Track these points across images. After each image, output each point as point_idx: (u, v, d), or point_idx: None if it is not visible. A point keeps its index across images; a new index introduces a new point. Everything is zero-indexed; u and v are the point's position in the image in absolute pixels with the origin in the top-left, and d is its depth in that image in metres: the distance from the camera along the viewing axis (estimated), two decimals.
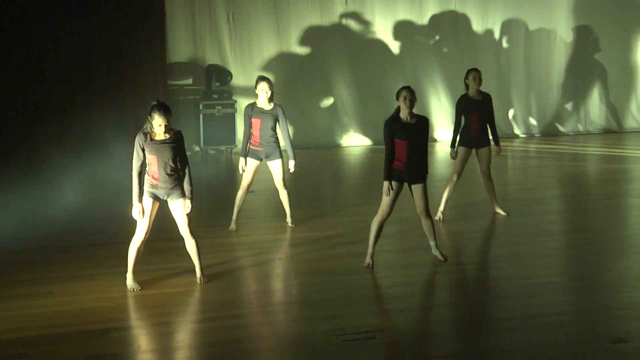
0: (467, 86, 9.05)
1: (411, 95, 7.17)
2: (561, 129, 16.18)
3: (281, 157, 8.61)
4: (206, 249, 7.99)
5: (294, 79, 14.79)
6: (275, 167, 8.62)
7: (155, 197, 6.69)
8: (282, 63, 14.73)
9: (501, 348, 5.53)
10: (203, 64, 14.26)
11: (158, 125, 6.52)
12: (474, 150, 9.03)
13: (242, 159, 8.57)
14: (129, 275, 6.79)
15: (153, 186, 6.67)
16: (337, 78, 15.02)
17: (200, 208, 10.20)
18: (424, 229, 7.49)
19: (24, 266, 7.48)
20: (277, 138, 8.57)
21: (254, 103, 8.56)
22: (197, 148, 14.17)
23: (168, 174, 6.64)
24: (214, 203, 10.51)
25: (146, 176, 6.69)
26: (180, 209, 6.77)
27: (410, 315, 6.20)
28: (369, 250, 7.34)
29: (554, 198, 10.48)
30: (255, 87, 8.49)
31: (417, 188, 7.25)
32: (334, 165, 13.50)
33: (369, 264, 7.33)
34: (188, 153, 14.73)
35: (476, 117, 8.91)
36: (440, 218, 8.99)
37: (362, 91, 15.02)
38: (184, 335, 5.91)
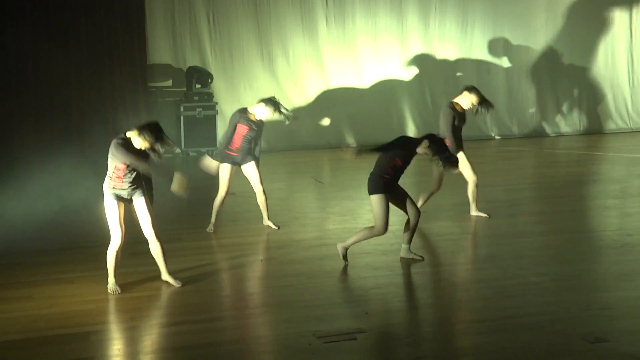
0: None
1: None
2: (540, 130, 16.28)
3: (254, 158, 8.64)
4: (186, 251, 7.99)
5: (274, 80, 14.79)
6: (249, 169, 8.64)
7: (120, 198, 6.65)
8: (263, 64, 14.72)
9: (481, 349, 5.55)
10: (183, 65, 14.23)
11: (141, 143, 6.50)
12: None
13: (209, 160, 8.69)
14: (110, 280, 6.77)
15: (116, 188, 6.63)
16: (317, 79, 15.03)
17: (180, 210, 10.20)
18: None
19: (2, 270, 7.42)
20: (251, 147, 8.63)
21: (246, 110, 8.55)
22: (178, 150, 14.13)
23: (134, 178, 6.61)
24: (194, 205, 10.48)
25: (108, 180, 6.64)
26: (143, 207, 6.71)
27: (391, 317, 6.21)
28: (349, 242, 7.46)
29: (533, 199, 10.54)
30: (267, 106, 8.44)
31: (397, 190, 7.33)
32: (315, 167, 13.50)
33: (344, 259, 7.45)
34: (169, 155, 14.78)
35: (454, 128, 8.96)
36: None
37: (341, 93, 15.05)
38: (165, 338, 5.89)
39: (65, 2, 12.87)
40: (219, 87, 14.30)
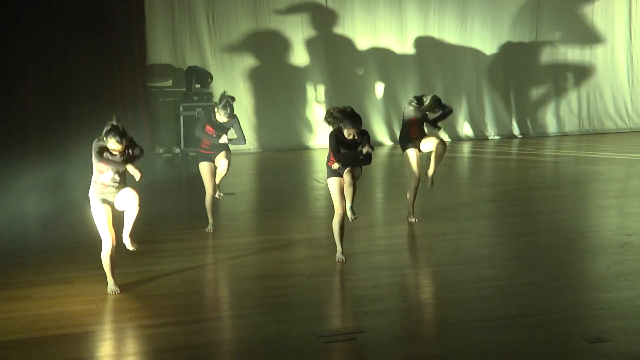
0: (420, 101, 8.89)
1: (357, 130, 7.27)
2: (540, 130, 16.28)
3: (227, 149, 8.55)
4: (186, 251, 7.99)
5: (273, 80, 14.79)
6: (220, 161, 8.52)
7: (105, 201, 6.65)
8: (262, 64, 14.72)
9: (481, 348, 5.55)
10: (183, 65, 14.23)
11: (112, 149, 6.49)
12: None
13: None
14: (109, 280, 6.77)
15: (102, 192, 6.63)
16: (315, 79, 15.03)
17: (180, 210, 10.21)
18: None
19: (2, 270, 7.41)
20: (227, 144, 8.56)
21: (213, 109, 8.49)
22: (177, 150, 14.13)
23: (117, 181, 6.62)
24: (194, 205, 10.47)
25: (93, 184, 6.64)
26: (127, 190, 6.66)
27: (391, 317, 6.21)
28: (338, 248, 7.51)
29: (532, 199, 10.54)
30: (218, 107, 8.40)
31: (349, 168, 7.39)
32: (314, 167, 13.50)
33: (342, 259, 7.44)
34: (168, 155, 14.72)
35: (416, 121, 8.87)
36: (415, 221, 8.99)
37: (339, 93, 15.04)
38: (165, 338, 5.88)
39: (65, 3, 12.86)
40: (218, 87, 14.28)
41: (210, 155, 8.55)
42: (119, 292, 6.72)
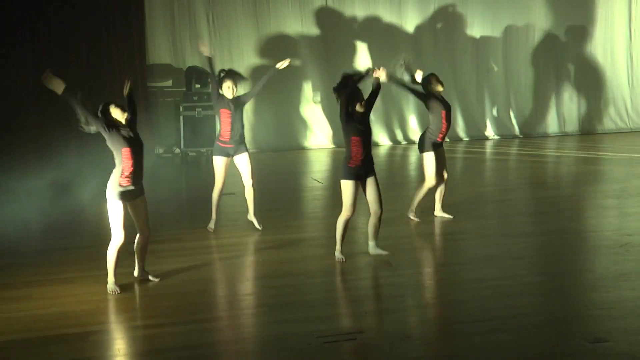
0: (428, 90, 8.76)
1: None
2: (540, 130, 16.28)
3: (247, 150, 8.57)
4: (186, 251, 7.99)
5: (273, 81, 14.77)
6: (242, 161, 8.55)
7: (125, 198, 6.64)
8: (262, 64, 14.72)
9: (480, 349, 5.55)
10: (183, 65, 14.23)
11: (119, 115, 6.59)
12: None
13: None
14: (110, 280, 6.76)
15: (124, 188, 6.61)
16: (314, 80, 15.03)
17: (180, 210, 10.21)
18: (369, 227, 7.53)
19: (2, 270, 7.42)
20: (244, 132, 8.56)
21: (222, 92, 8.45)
22: (177, 150, 14.13)
23: (140, 169, 6.66)
24: (194, 205, 10.49)
25: (118, 179, 6.58)
26: (145, 205, 6.77)
27: (390, 317, 6.21)
28: (338, 247, 7.49)
29: (532, 199, 10.54)
30: (221, 85, 8.39)
31: (371, 180, 7.35)
32: (313, 167, 13.50)
33: (341, 259, 7.42)
34: (168, 155, 14.75)
35: (445, 115, 8.74)
36: (415, 220, 8.99)
37: None
38: (165, 338, 5.88)
39: (65, 3, 12.86)
40: None
41: (227, 150, 8.48)
42: (119, 292, 6.72)
